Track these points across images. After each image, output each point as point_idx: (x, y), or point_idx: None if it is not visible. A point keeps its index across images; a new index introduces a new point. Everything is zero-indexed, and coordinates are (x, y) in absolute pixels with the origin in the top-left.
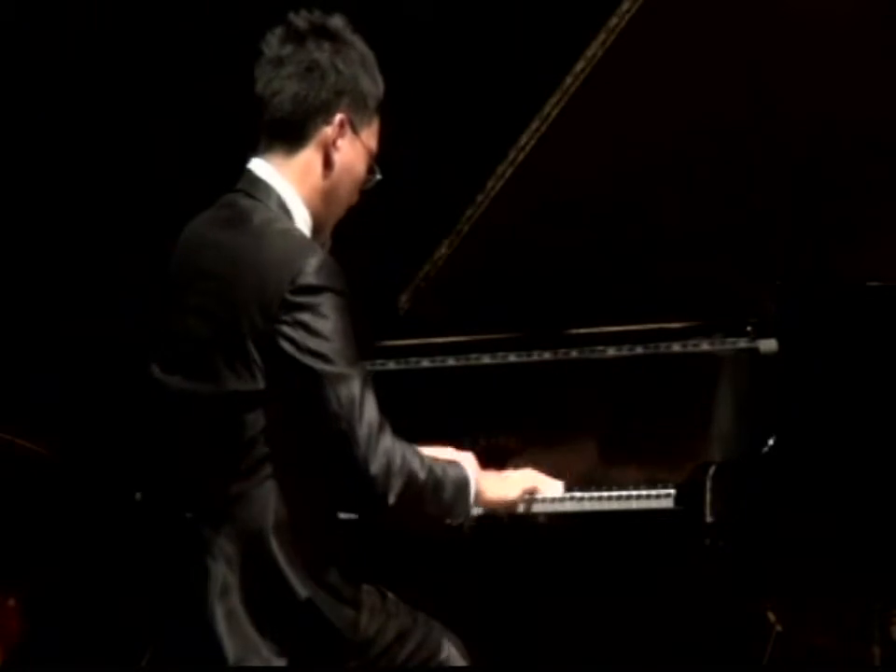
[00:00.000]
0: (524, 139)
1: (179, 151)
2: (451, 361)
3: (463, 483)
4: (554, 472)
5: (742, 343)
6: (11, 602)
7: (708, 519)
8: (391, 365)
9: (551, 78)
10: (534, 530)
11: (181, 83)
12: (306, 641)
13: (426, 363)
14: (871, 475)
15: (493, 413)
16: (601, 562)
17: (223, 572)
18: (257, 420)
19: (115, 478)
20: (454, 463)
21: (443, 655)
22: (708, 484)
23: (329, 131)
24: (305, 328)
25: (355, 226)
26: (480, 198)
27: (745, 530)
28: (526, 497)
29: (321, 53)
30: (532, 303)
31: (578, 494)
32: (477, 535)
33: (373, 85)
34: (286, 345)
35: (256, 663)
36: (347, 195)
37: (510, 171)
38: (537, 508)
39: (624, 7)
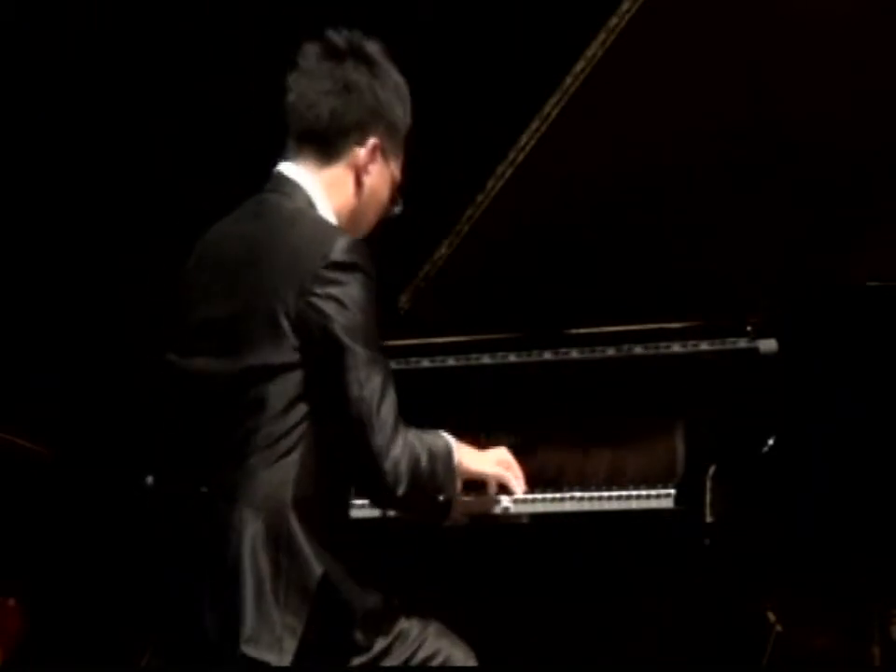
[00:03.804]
0: (524, 139)
1: (179, 151)
2: (451, 361)
3: (448, 456)
4: (554, 472)
5: (742, 343)
6: (11, 602)
7: (708, 519)
8: (391, 365)
9: (551, 78)
10: (533, 530)
11: (181, 83)
12: (320, 617)
13: (426, 363)
14: (871, 475)
15: (493, 412)
16: (601, 562)
17: (242, 545)
18: (281, 394)
19: (121, 469)
20: (437, 434)
21: (443, 656)
22: (708, 484)
23: (361, 153)
24: (336, 301)
25: None
26: (480, 198)
27: (745, 530)
28: (510, 497)
29: (359, 75)
30: (532, 303)
31: (577, 494)
32: (475, 535)
33: (405, 116)
34: (317, 318)
35: (267, 639)
36: (370, 220)
37: (510, 171)
38: (536, 507)
39: (624, 7)
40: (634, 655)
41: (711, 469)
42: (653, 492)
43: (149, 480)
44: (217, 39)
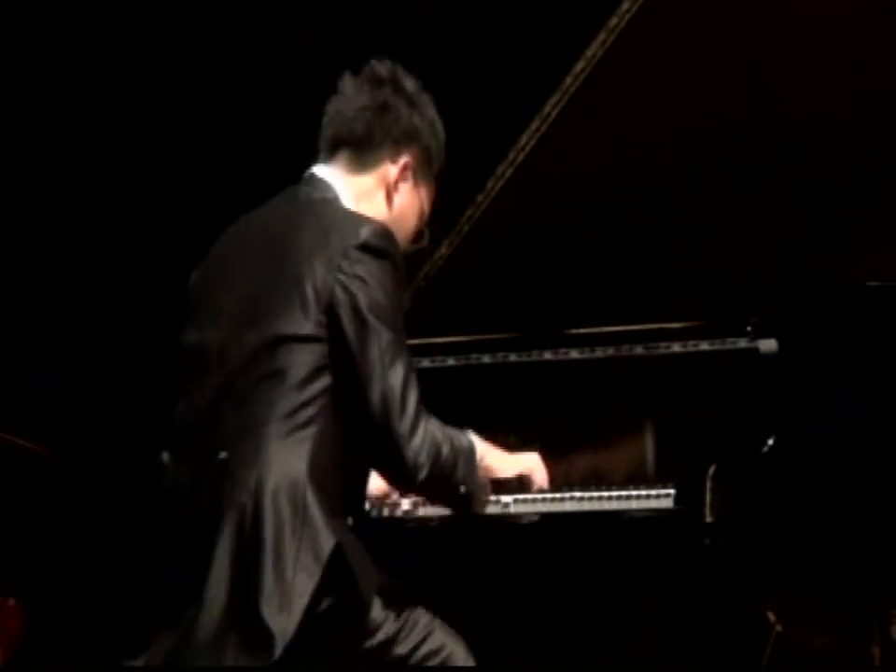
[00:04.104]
0: (524, 139)
1: (179, 151)
2: (451, 361)
3: (471, 452)
4: (554, 472)
5: (742, 343)
6: (11, 602)
7: (708, 519)
8: None
9: (551, 78)
10: (533, 530)
11: (181, 83)
12: (330, 584)
13: (426, 363)
14: (870, 475)
15: (493, 412)
16: (601, 562)
17: (264, 496)
18: (302, 366)
19: (115, 478)
20: (462, 432)
21: (447, 652)
22: (708, 484)
23: (392, 169)
24: (362, 281)
25: None
26: (480, 198)
27: (745, 530)
28: (521, 495)
29: (397, 101)
30: (532, 303)
31: (577, 494)
32: (476, 534)
33: (438, 151)
34: (342, 295)
35: (277, 599)
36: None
37: (510, 171)
38: (536, 507)
39: (624, 7)
40: (634, 655)
41: (711, 469)
42: (653, 492)
43: (164, 456)
44: (217, 39)
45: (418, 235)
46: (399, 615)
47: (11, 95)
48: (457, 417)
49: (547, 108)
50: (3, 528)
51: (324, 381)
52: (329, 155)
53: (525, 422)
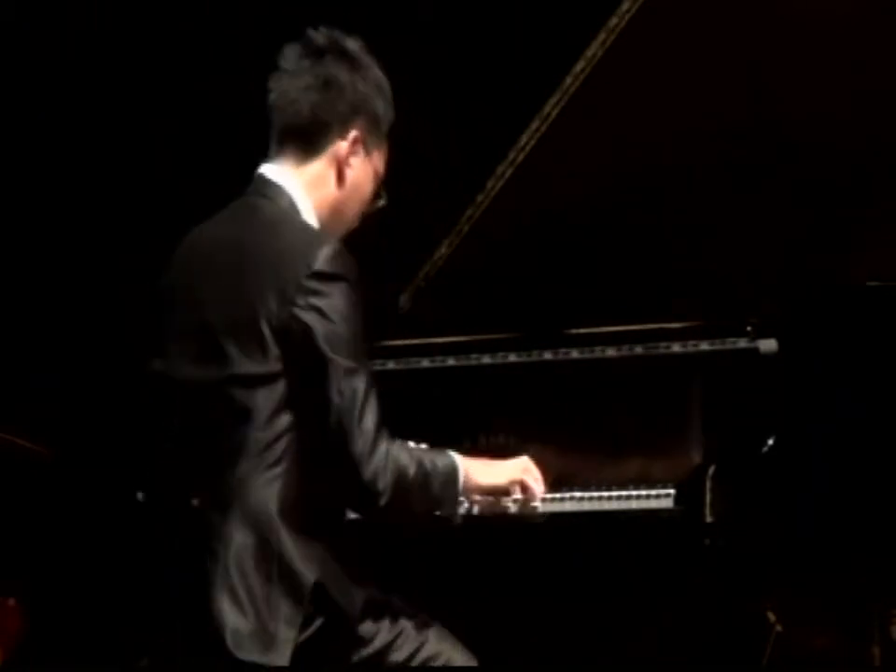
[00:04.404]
0: (524, 139)
1: (179, 151)
2: (451, 361)
3: (452, 474)
4: (554, 472)
5: (742, 343)
6: (11, 602)
7: (708, 519)
8: (391, 365)
9: (551, 78)
10: (533, 530)
11: (181, 83)
12: (314, 625)
13: (426, 363)
14: (870, 475)
15: (493, 412)
16: (600, 562)
17: (232, 557)
18: (266, 404)
19: (115, 478)
20: (442, 453)
21: (444, 659)
22: (708, 484)
23: (342, 146)
24: (318, 311)
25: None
26: (480, 198)
27: (745, 530)
28: (521, 496)
29: (339, 71)
30: (532, 303)
31: (578, 494)
32: (475, 535)
33: (387, 110)
34: (298, 329)
35: (259, 648)
36: (353, 214)
37: (510, 171)
38: (535, 508)
39: (624, 7)
40: (634, 655)
41: (711, 469)
42: (653, 492)
43: (140, 496)
44: (217, 39)
45: (376, 196)
46: (393, 624)
47: (11, 95)
48: (457, 417)
49: (547, 108)
50: (3, 528)
51: (289, 417)
52: (278, 147)
53: (526, 422)
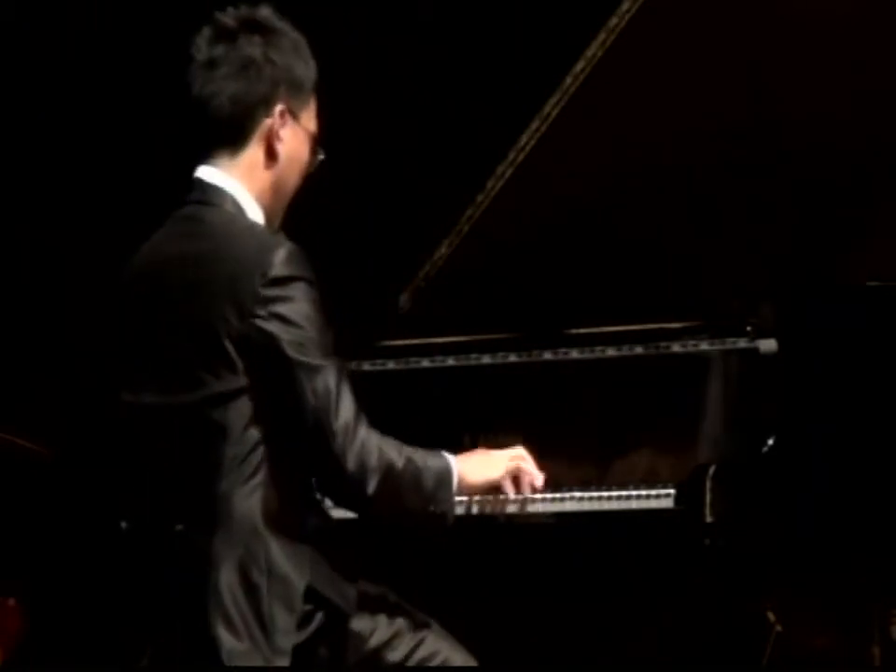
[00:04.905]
0: (524, 139)
1: (179, 151)
2: (451, 361)
3: (445, 471)
4: (554, 472)
5: (742, 343)
6: (11, 602)
7: (708, 519)
8: (391, 365)
9: (551, 78)
10: (533, 530)
11: (181, 83)
12: (312, 625)
13: (426, 363)
14: (871, 475)
15: (493, 412)
16: (601, 562)
17: (223, 580)
18: (238, 418)
19: (109, 488)
20: (435, 452)
21: (442, 657)
22: (708, 484)
23: (270, 123)
24: (280, 318)
25: (355, 226)
26: (480, 198)
27: (745, 530)
28: (521, 497)
29: (254, 48)
30: (532, 303)
31: (577, 493)
32: (474, 535)
33: (307, 68)
34: (262, 339)
35: (259, 663)
36: (294, 183)
37: (510, 171)
38: (535, 507)
39: (624, 6)
40: (634, 655)
41: (711, 469)
42: (653, 492)
43: (123, 525)
44: None
45: (314, 154)
46: (390, 620)
47: (11, 95)
48: (457, 417)
49: (547, 108)
50: (3, 528)
51: (262, 427)
52: (209, 145)
53: (526, 422)
